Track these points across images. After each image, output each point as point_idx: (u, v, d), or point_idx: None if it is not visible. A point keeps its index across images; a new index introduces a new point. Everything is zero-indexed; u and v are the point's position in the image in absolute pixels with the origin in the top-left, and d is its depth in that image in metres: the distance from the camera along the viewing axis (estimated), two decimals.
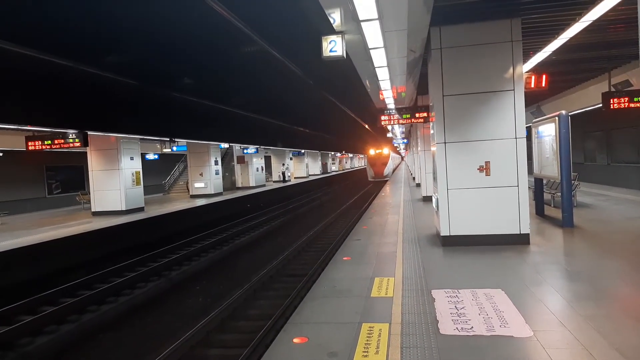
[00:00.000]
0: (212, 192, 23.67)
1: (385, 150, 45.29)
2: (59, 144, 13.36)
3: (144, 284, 10.25)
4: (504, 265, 6.43)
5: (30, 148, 13.70)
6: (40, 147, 13.63)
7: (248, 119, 20.79)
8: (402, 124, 14.03)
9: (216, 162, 24.34)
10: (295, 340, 4.21)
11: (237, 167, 30.27)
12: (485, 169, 7.62)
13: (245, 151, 28.82)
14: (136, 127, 15.29)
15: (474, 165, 7.68)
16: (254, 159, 30.01)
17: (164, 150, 27.12)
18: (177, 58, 11.93)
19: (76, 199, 21.11)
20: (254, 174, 30.00)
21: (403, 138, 37.27)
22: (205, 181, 23.77)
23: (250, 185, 29.76)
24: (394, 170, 55.14)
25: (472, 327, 4.21)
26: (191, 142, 23.06)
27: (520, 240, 7.55)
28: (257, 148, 28.67)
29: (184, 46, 11.02)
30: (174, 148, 24.64)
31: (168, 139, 18.55)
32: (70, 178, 23.01)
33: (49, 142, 13.45)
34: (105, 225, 13.53)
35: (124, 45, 10.52)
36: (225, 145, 26.74)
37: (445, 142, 7.80)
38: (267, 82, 15.75)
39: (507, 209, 7.58)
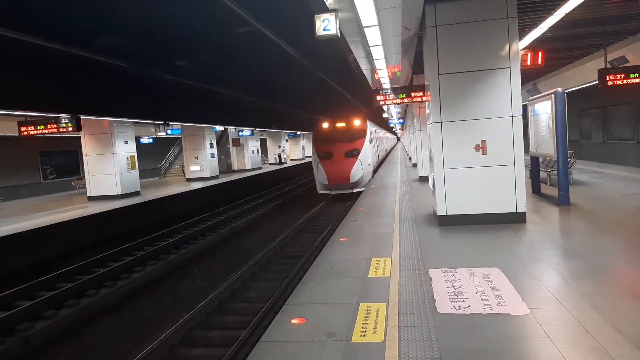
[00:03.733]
0: (208, 175, 23.61)
1: (357, 122, 18.96)
2: (52, 128, 13.23)
3: (142, 267, 10.27)
4: (500, 244, 6.45)
5: (23, 133, 13.55)
6: (33, 132, 13.49)
7: (242, 101, 20.64)
8: (397, 103, 13.91)
9: (211, 145, 24.22)
10: (294, 321, 4.22)
11: (233, 150, 30.16)
12: (481, 147, 7.59)
13: (240, 134, 28.66)
14: (129, 111, 15.16)
15: (470, 144, 7.63)
16: (250, 142, 29.87)
17: (159, 133, 26.93)
18: (170, 40, 11.76)
19: (71, 183, 21.03)
20: (249, 156, 29.93)
21: (399, 118, 37.09)
22: (201, 164, 23.71)
23: (247, 167, 29.71)
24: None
25: (469, 306, 4.23)
26: (186, 125, 22.90)
27: (516, 219, 7.56)
28: (252, 130, 28.50)
29: (177, 28, 10.86)
30: (169, 131, 24.45)
31: (162, 122, 18.43)
32: (65, 163, 22.86)
33: (42, 127, 13.31)
34: (101, 210, 13.49)
35: (116, 28, 10.36)
36: (220, 128, 26.58)
37: (441, 122, 7.74)
38: (261, 63, 15.59)
39: (503, 188, 7.57)
